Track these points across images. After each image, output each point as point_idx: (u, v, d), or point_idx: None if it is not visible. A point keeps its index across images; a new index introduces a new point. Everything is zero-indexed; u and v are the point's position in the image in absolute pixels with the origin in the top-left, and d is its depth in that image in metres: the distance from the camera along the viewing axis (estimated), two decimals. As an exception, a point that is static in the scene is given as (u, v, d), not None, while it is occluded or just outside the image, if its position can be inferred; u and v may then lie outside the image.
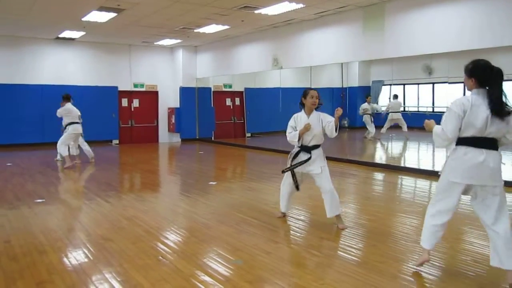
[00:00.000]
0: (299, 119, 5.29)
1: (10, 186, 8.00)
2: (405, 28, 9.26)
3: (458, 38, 8.35)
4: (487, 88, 3.50)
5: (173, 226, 5.46)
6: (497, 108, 3.42)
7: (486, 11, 7.90)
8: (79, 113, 10.34)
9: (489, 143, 3.51)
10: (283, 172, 5.47)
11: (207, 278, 3.76)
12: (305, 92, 5.31)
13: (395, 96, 16.32)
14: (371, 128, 15.34)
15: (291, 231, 5.19)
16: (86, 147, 10.90)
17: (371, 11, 9.91)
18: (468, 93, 3.68)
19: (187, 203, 6.84)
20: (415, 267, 3.94)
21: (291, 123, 5.34)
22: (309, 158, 5.17)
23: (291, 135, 5.26)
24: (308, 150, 5.21)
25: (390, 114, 15.38)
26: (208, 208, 6.39)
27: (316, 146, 5.24)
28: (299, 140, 5.21)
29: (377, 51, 9.92)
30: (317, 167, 5.17)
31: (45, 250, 4.49)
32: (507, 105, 3.45)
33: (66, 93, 10.58)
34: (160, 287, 3.60)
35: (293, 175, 5.33)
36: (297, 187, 5.39)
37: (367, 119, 15.52)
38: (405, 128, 15.10)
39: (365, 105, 15.79)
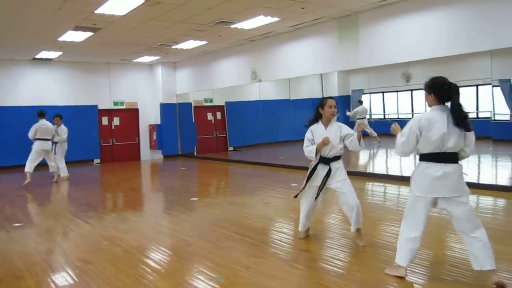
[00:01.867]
0: (316, 131, 4.93)
1: (-12, 211, 7.85)
2: (379, 38, 9.40)
3: (434, 45, 8.48)
4: (447, 104, 3.69)
5: (153, 244, 5.41)
6: (462, 122, 3.60)
7: (460, 18, 8.04)
8: (54, 131, 10.83)
9: (448, 157, 3.67)
10: (295, 197, 5.09)
11: (187, 297, 3.73)
12: (322, 101, 4.92)
13: (361, 102, 16.65)
14: None
15: (273, 245, 5.17)
16: (52, 163, 10.95)
17: (345, 22, 10.05)
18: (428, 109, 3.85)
19: (168, 221, 6.79)
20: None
21: (308, 135, 4.97)
22: (329, 171, 4.85)
23: (308, 150, 4.92)
24: (327, 162, 4.87)
25: (357, 120, 15.80)
26: (190, 225, 6.35)
27: (336, 158, 4.90)
28: (316, 154, 4.89)
29: (353, 61, 10.04)
30: (337, 181, 4.86)
31: (22, 275, 4.41)
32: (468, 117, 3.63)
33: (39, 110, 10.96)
34: (139, 308, 3.56)
35: (320, 189, 4.92)
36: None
37: None
38: (372, 133, 15.96)
39: None
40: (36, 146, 10.63)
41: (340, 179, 4.87)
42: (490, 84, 15.60)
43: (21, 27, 9.71)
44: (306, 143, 4.97)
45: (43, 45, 12.10)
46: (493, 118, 15.72)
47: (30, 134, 10.58)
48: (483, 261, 3.58)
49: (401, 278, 3.86)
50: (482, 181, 8.60)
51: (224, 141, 17.97)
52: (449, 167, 3.66)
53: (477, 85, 16.44)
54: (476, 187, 7.81)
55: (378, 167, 12.47)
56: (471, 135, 3.69)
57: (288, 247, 5.10)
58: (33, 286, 4.13)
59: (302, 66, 11.43)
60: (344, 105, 20.27)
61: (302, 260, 4.54)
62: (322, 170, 4.89)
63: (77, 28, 10.08)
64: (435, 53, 8.60)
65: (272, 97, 18.58)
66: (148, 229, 6.39)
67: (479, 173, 10.18)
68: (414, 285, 3.82)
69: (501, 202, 7.20)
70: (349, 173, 5.18)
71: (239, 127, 17.90)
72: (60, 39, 11.06)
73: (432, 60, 10.39)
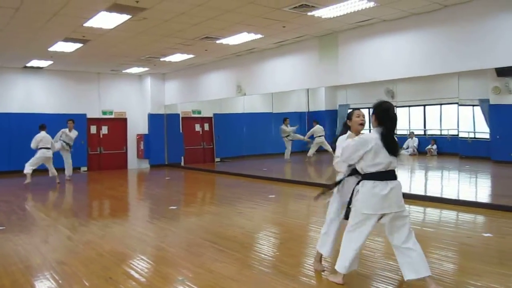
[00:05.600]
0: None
1: (-28, 214, 8.10)
2: (357, 56, 9.83)
3: (407, 65, 8.95)
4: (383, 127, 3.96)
5: (126, 249, 5.70)
6: (392, 147, 3.92)
7: (433, 40, 8.52)
8: (52, 140, 11.97)
9: (392, 174, 3.99)
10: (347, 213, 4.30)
11: (150, 296, 4.03)
12: (350, 113, 4.50)
13: (316, 122, 17.30)
14: (289, 148, 16.90)
15: (239, 251, 5.45)
16: (53, 170, 12.10)
17: (325, 40, 10.48)
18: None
19: (144, 228, 7.07)
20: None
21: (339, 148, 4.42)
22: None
23: (340, 163, 4.41)
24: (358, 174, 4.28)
25: (315, 138, 16.76)
26: (164, 232, 6.65)
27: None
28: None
29: (332, 78, 10.47)
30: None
31: (-1, 275, 4.69)
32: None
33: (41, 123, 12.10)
34: (104, 305, 3.85)
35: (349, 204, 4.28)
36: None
37: (288, 141, 16.89)
38: (330, 149, 16.41)
39: (284, 128, 16.80)
40: (40, 153, 11.70)
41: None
42: (471, 104, 16.16)
43: (12, 36, 10.01)
44: (337, 154, 4.45)
45: (34, 54, 12.42)
46: (460, 136, 16.54)
47: (33, 145, 11.66)
48: (419, 269, 3.86)
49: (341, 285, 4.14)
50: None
51: (211, 152, 18.28)
52: (393, 184, 3.95)
53: (458, 104, 16.90)
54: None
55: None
56: None
57: (254, 254, 5.40)
58: (8, 285, 4.41)
59: (284, 81, 11.83)
60: (331, 119, 20.71)
61: (266, 267, 4.83)
62: (352, 180, 4.32)
63: (67, 39, 10.41)
64: (409, 73, 9.08)
65: (258, 110, 18.99)
66: (124, 235, 6.67)
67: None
68: (361, 289, 4.13)
69: None
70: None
71: (226, 138, 18.23)
72: (51, 49, 11.39)
73: (417, 79, 10.81)
